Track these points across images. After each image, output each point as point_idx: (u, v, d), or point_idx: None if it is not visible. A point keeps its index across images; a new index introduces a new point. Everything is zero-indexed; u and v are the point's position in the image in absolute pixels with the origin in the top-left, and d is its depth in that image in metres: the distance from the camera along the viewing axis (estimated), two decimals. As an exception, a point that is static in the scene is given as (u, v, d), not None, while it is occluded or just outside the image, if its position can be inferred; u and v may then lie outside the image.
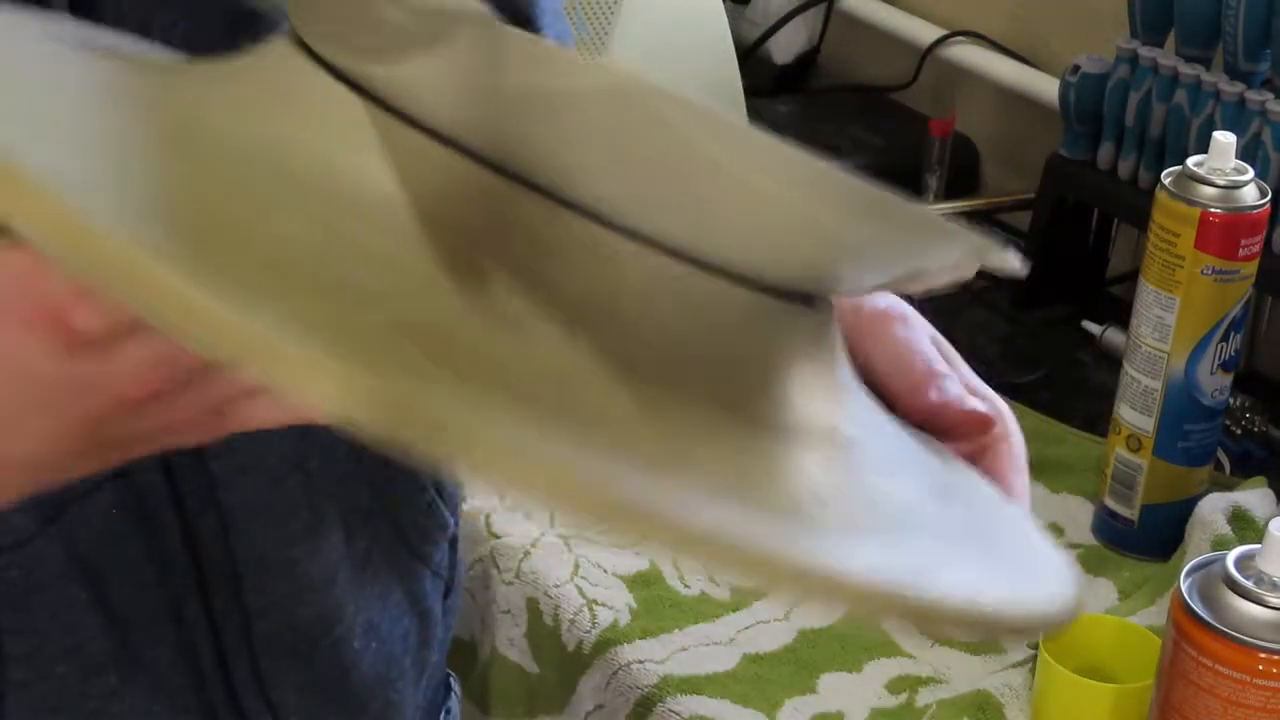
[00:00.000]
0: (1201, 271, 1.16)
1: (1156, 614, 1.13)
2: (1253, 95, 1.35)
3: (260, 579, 0.75)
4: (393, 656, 0.82)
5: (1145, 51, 1.44)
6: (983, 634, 0.52)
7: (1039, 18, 1.76)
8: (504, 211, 0.50)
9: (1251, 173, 1.17)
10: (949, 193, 1.72)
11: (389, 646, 0.82)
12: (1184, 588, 0.93)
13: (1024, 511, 0.66)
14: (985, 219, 1.76)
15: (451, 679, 0.94)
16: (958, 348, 1.70)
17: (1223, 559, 0.93)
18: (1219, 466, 1.31)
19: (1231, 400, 1.29)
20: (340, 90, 0.52)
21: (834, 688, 1.11)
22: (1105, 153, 1.50)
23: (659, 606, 1.18)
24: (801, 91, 1.99)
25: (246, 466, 0.74)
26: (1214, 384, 1.20)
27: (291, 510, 0.76)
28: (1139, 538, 1.24)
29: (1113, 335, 1.50)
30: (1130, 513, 1.23)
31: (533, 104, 0.49)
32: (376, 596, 0.81)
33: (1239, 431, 1.37)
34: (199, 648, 0.75)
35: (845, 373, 0.57)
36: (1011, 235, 1.75)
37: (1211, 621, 0.91)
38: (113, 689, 0.73)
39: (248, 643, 0.76)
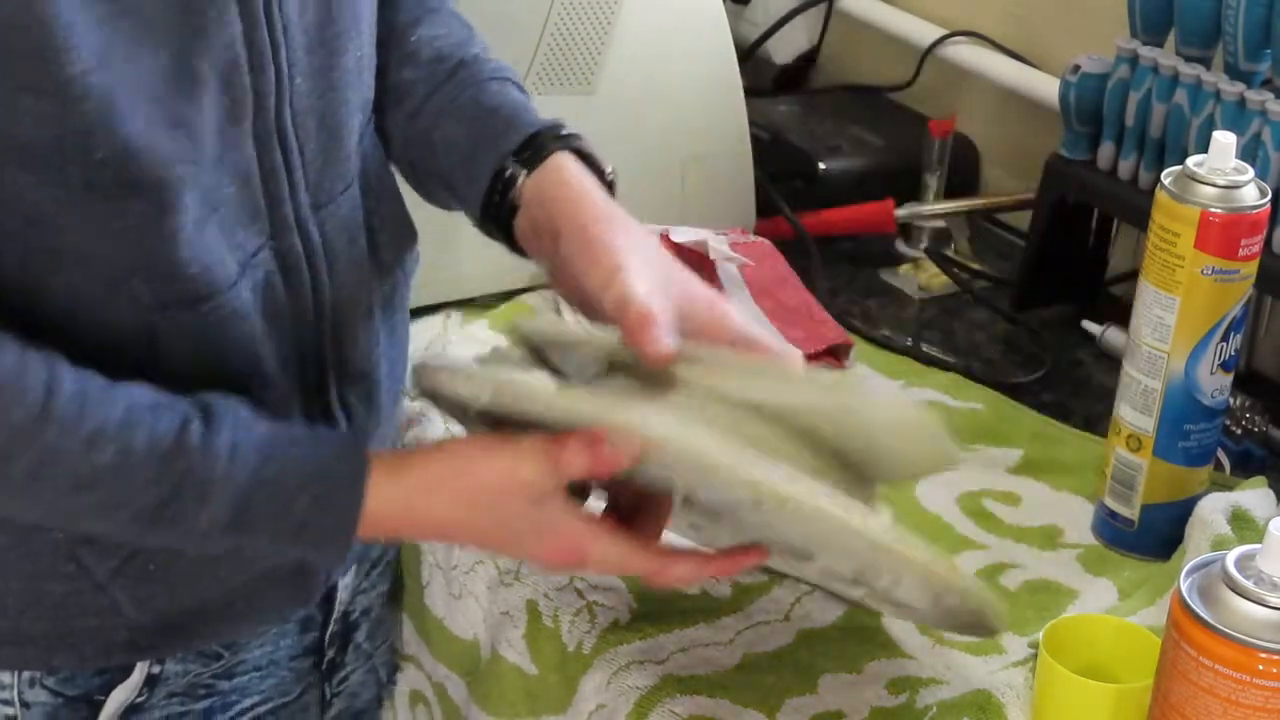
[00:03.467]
0: (1201, 271, 1.16)
1: (1156, 614, 1.13)
2: (1253, 95, 1.35)
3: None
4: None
5: (1145, 51, 1.44)
6: None
7: (1039, 18, 1.76)
8: None
9: (1251, 173, 1.16)
10: (949, 193, 1.71)
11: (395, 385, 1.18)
12: (1184, 588, 0.93)
13: None
14: (985, 219, 1.76)
15: None
16: (958, 347, 1.70)
17: (1223, 559, 0.93)
18: (1219, 466, 1.31)
19: (1231, 400, 1.29)
20: None
21: (834, 688, 1.11)
22: (1105, 153, 1.50)
23: (659, 607, 1.18)
24: (801, 91, 1.99)
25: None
26: (1214, 384, 1.20)
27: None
28: (1139, 538, 1.24)
29: (1113, 335, 1.50)
30: (1130, 513, 1.23)
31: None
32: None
33: (1239, 431, 1.37)
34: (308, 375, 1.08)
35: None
36: (1012, 235, 1.75)
37: (1211, 621, 0.91)
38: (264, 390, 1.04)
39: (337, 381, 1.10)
